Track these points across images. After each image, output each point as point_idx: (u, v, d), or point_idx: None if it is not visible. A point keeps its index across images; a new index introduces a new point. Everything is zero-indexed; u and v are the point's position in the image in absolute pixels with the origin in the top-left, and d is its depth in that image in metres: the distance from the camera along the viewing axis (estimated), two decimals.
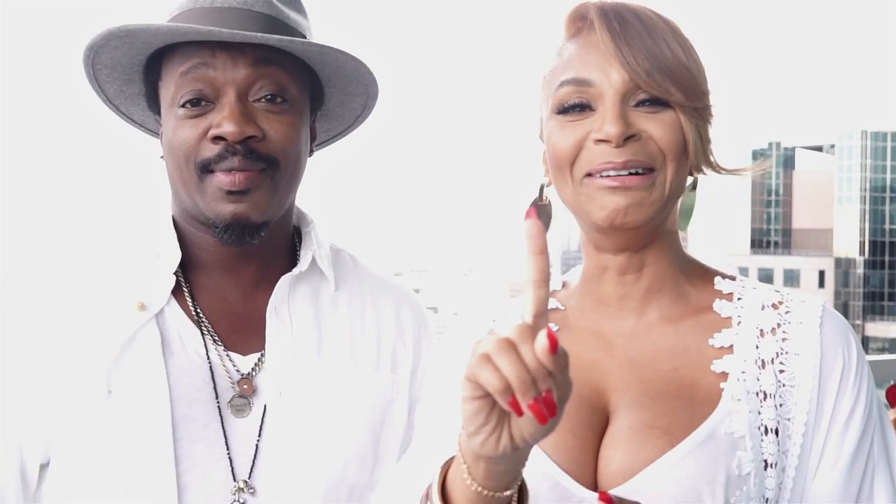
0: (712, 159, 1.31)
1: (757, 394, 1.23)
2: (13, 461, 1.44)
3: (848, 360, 1.26)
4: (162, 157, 1.53)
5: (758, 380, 1.24)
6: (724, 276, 1.36)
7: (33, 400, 1.44)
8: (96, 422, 1.42)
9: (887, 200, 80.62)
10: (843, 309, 74.58)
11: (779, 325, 1.28)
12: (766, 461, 1.21)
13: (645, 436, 1.21)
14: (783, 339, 1.27)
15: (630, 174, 1.23)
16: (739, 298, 1.32)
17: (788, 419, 1.23)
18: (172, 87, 1.46)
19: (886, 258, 79.65)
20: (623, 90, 1.24)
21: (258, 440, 1.47)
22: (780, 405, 1.24)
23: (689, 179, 1.31)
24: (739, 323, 1.29)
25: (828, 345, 1.26)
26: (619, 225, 1.24)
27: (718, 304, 1.32)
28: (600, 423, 1.25)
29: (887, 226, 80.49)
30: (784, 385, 1.24)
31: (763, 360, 1.26)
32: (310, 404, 1.50)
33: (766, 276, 72.44)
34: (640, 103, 1.24)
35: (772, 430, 1.22)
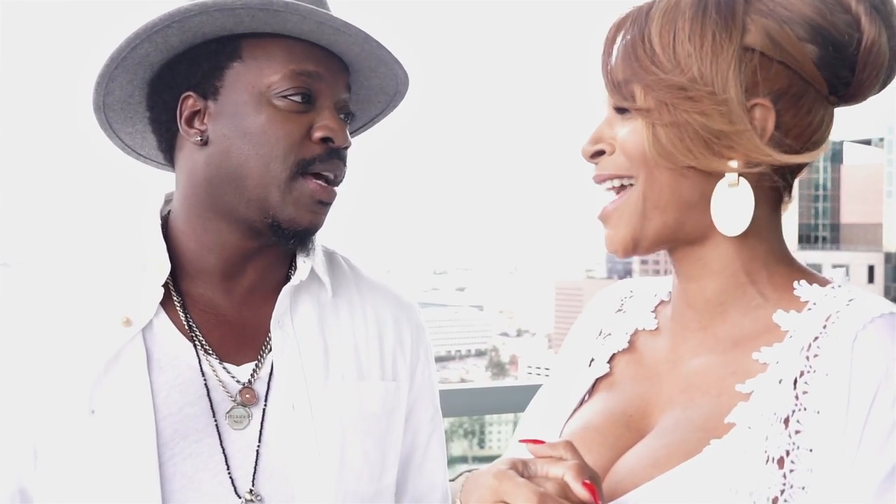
0: (741, 152, 1.12)
1: (768, 416, 1.08)
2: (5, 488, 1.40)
3: (886, 377, 1.04)
4: (200, 142, 1.42)
5: (774, 401, 1.09)
6: (811, 281, 1.18)
7: (13, 422, 1.39)
8: (78, 443, 1.37)
9: None
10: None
11: (816, 338, 1.10)
12: (768, 496, 1.05)
13: (636, 465, 1.14)
14: (814, 356, 1.08)
15: (608, 190, 1.19)
16: (810, 309, 1.14)
17: (809, 449, 1.05)
18: (275, 76, 1.40)
19: None
20: (609, 101, 1.19)
21: (258, 446, 1.43)
22: (797, 432, 1.06)
23: (730, 177, 1.13)
24: (791, 337, 1.12)
25: (859, 364, 1.05)
26: (617, 254, 1.20)
27: (780, 316, 1.15)
28: (626, 445, 1.19)
29: None
30: (805, 409, 1.06)
31: (788, 379, 1.09)
32: (321, 416, 1.47)
33: None
34: (618, 112, 1.18)
35: (773, 459, 1.06)
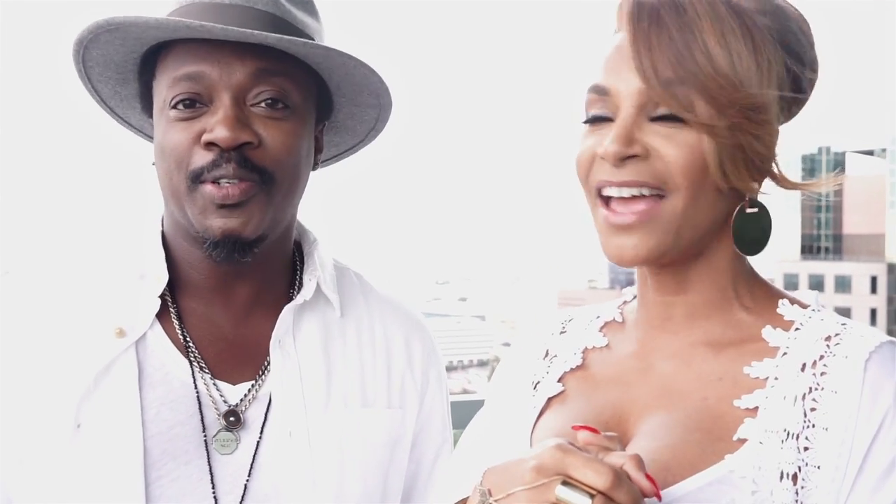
0: (771, 173, 1.16)
1: (778, 433, 1.08)
2: None
3: (894, 408, 1.06)
4: (153, 163, 1.40)
5: (783, 417, 1.09)
6: (793, 302, 1.20)
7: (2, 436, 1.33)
8: (62, 458, 1.31)
9: None
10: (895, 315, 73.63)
11: (822, 357, 1.11)
12: None
13: (656, 464, 1.11)
14: (822, 374, 1.10)
15: (633, 196, 1.14)
16: (798, 329, 1.16)
17: (817, 466, 1.06)
18: (165, 87, 1.35)
19: None
20: (639, 102, 1.12)
21: (247, 480, 1.36)
22: (805, 448, 1.07)
23: (751, 198, 1.16)
24: (784, 354, 1.14)
25: (871, 384, 1.07)
26: (632, 264, 1.17)
27: (769, 332, 1.17)
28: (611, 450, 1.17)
29: None
30: (814, 426, 1.08)
31: (794, 396, 1.10)
32: (319, 445, 1.40)
33: (816, 283, 71.53)
34: (658, 118, 1.12)
35: (788, 475, 1.06)
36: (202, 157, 1.32)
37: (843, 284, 74.21)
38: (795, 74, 1.16)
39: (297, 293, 1.46)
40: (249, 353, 1.42)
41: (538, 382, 1.33)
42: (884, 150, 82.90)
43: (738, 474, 1.07)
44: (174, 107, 1.33)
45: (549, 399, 1.30)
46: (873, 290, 75.22)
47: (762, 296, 1.21)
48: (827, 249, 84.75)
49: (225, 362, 1.41)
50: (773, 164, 1.15)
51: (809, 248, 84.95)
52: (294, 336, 1.43)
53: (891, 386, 1.07)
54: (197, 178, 1.33)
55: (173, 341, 1.39)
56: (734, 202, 1.15)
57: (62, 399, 1.32)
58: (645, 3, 1.13)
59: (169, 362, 1.38)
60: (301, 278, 1.48)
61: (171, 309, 1.41)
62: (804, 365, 1.11)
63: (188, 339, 1.40)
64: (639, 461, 0.98)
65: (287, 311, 1.42)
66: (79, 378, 1.33)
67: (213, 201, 1.32)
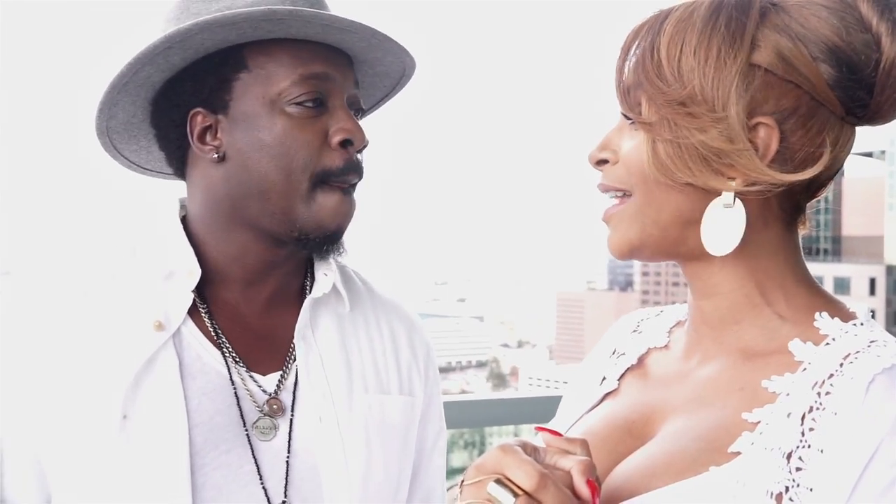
0: (744, 170, 1.09)
1: (772, 450, 1.05)
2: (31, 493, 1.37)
3: (893, 430, 1.00)
4: (217, 158, 1.40)
5: (781, 435, 1.05)
6: (835, 314, 1.14)
7: (42, 429, 1.35)
8: (109, 449, 1.33)
9: None
10: (895, 317, 73.67)
11: (832, 375, 1.06)
12: None
13: (634, 473, 1.12)
14: (826, 394, 1.05)
15: (611, 198, 1.18)
16: (828, 344, 1.10)
17: (810, 488, 1.02)
18: (284, 83, 1.37)
19: None
20: (622, 108, 1.17)
21: (288, 457, 1.41)
22: (798, 469, 1.03)
23: (726, 196, 1.11)
24: (804, 370, 1.09)
25: (870, 407, 1.02)
26: (616, 256, 1.20)
27: (796, 345, 1.12)
28: (627, 450, 1.18)
29: None
30: (810, 446, 1.03)
31: (797, 414, 1.06)
32: (347, 428, 1.46)
33: None
34: (626, 119, 1.16)
35: (773, 494, 1.02)
36: (332, 160, 1.38)
37: (842, 286, 74.20)
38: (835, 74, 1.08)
39: (311, 288, 1.50)
40: (274, 344, 1.47)
41: (604, 379, 1.35)
42: (883, 152, 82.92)
43: (719, 488, 1.04)
44: (301, 104, 1.37)
45: (605, 395, 1.31)
46: (872, 292, 75.30)
47: (801, 304, 1.16)
48: (826, 251, 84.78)
49: (254, 353, 1.45)
50: (747, 160, 1.08)
51: (808, 250, 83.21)
52: (313, 328, 1.49)
53: (891, 410, 1.01)
54: (325, 179, 1.38)
55: (204, 334, 1.43)
56: (711, 200, 1.12)
57: (108, 392, 1.35)
58: (640, 22, 1.15)
59: (204, 354, 1.41)
60: (313, 273, 1.52)
61: (199, 303, 1.44)
62: (815, 383, 1.07)
63: (219, 331, 1.44)
64: (586, 466, 0.99)
65: (307, 305, 1.47)
66: (123, 371, 1.35)
67: (338, 203, 1.39)
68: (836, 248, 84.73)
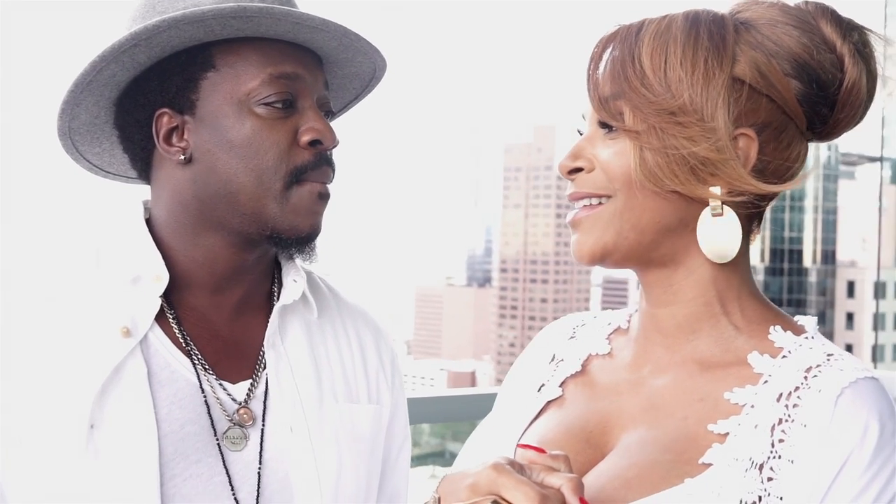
0: (731, 180, 1.12)
1: (743, 461, 1.07)
2: None
3: (861, 442, 1.04)
4: (184, 160, 1.35)
5: (751, 446, 1.08)
6: (787, 328, 1.18)
7: (1, 442, 1.30)
8: (76, 460, 1.28)
9: (786, 209, 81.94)
10: None
11: (797, 388, 1.10)
12: None
13: (607, 485, 1.13)
14: (794, 406, 1.08)
15: (584, 207, 1.19)
16: (785, 356, 1.14)
17: (780, 497, 1.05)
18: (253, 82, 1.33)
19: (785, 265, 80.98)
20: (594, 120, 1.18)
21: (259, 468, 1.37)
22: (770, 479, 1.06)
23: (713, 204, 1.13)
24: (766, 382, 1.12)
25: (839, 419, 1.05)
26: (583, 261, 1.21)
27: (755, 358, 1.15)
28: (586, 460, 1.19)
29: (786, 234, 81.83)
30: (780, 457, 1.06)
31: (765, 425, 1.09)
32: (318, 438, 1.42)
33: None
34: (605, 132, 1.17)
35: None
36: (302, 157, 1.35)
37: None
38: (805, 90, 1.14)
39: (279, 294, 1.46)
40: (243, 351, 1.43)
41: (542, 386, 1.34)
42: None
43: (696, 499, 1.06)
44: (270, 104, 1.33)
45: (548, 403, 1.31)
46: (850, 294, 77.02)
47: (755, 317, 1.19)
48: None
49: (223, 361, 1.41)
50: (732, 170, 1.11)
51: None
52: (282, 336, 1.45)
53: (859, 422, 1.05)
54: (297, 177, 1.35)
55: (172, 341, 1.38)
56: (691, 208, 1.15)
57: (74, 401, 1.29)
58: (610, 32, 1.18)
59: (173, 362, 1.37)
60: (281, 279, 1.48)
61: (167, 310, 1.39)
62: (780, 395, 1.10)
63: (188, 338, 1.39)
64: (576, 484, 0.99)
65: (276, 312, 1.43)
66: (89, 379, 1.30)
67: (312, 201, 1.36)
68: None
